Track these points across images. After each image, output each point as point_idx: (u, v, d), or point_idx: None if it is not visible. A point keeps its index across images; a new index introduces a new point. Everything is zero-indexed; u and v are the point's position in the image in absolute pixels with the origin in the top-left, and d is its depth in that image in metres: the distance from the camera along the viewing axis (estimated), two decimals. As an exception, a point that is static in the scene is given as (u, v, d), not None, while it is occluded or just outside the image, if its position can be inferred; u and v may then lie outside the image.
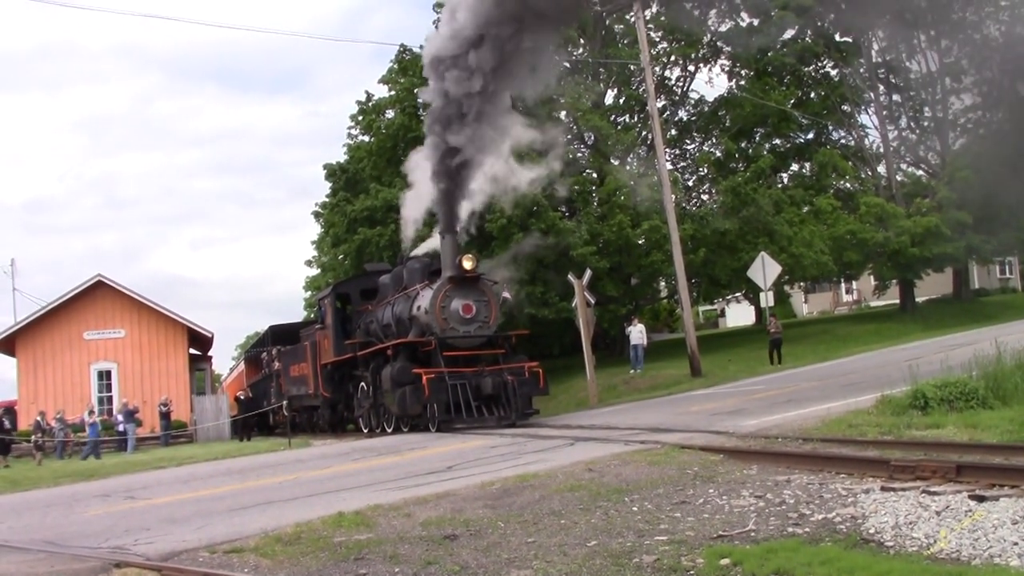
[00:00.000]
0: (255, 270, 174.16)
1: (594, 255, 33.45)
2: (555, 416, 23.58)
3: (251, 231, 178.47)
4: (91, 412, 32.11)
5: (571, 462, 11.39)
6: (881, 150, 45.90)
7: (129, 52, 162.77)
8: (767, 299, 32.20)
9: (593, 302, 28.41)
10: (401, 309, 22.66)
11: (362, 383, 23.76)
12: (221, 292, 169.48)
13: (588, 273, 27.99)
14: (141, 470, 19.55)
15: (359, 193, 39.89)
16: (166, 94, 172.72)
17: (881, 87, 46.01)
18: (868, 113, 46.77)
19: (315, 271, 59.73)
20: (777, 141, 44.47)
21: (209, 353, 43.86)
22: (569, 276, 28.05)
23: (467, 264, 20.85)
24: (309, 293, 63.17)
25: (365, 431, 23.81)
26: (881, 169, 46.02)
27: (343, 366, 25.70)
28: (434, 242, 23.78)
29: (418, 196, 24.40)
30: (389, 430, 21.99)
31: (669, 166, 40.19)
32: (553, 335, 37.42)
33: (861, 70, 45.10)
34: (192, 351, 39.25)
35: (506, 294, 23.44)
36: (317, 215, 46.02)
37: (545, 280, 34.56)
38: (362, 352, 23.76)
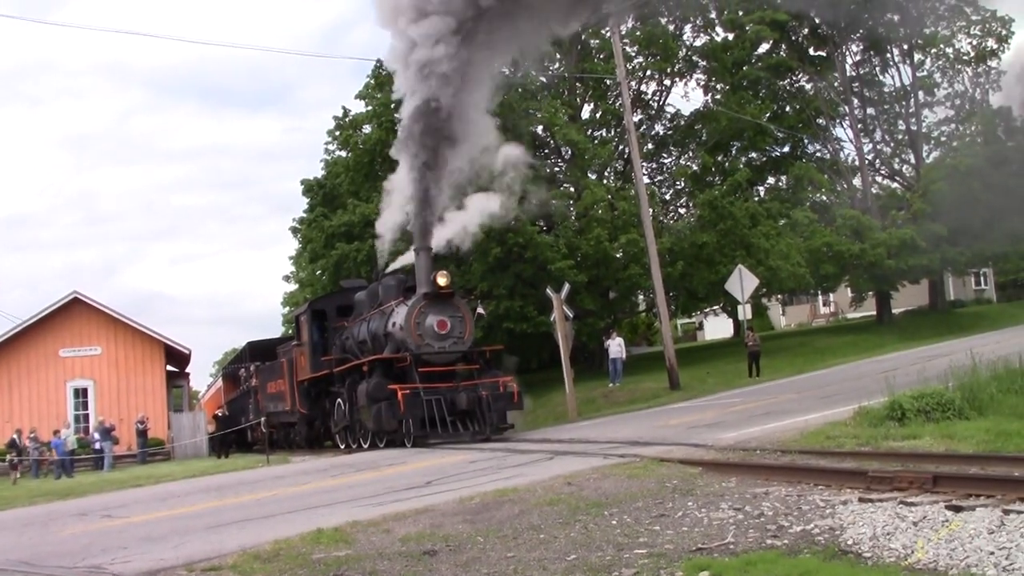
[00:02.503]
0: (234, 286, 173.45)
1: (572, 269, 33.52)
2: (534, 430, 23.56)
3: (230, 247, 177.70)
4: (56, 431, 31.76)
5: (550, 476, 11.36)
6: (856, 163, 46.26)
7: (111, 69, 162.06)
8: (745, 312, 32.33)
9: (572, 316, 28.44)
10: (376, 325, 22.64)
11: (339, 399, 23.69)
12: (199, 308, 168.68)
13: (566, 287, 28.02)
14: (118, 488, 19.37)
15: (336, 208, 39.82)
16: (147, 110, 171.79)
17: (856, 100, 46.42)
18: (843, 126, 47.16)
19: (293, 287, 59.54)
20: (753, 154, 44.82)
21: (186, 370, 43.63)
22: (547, 290, 28.07)
23: (441, 280, 20.93)
24: (287, 309, 62.94)
25: (342, 447, 23.78)
26: (857, 182, 46.39)
27: (320, 382, 25.61)
28: (409, 258, 23.81)
29: (393, 213, 24.45)
30: (365, 446, 21.99)
31: (646, 180, 40.48)
32: (532, 349, 37.43)
33: (836, 84, 45.50)
34: (169, 368, 39.04)
35: (481, 309, 23.49)
36: (295, 230, 45.85)
37: (523, 295, 34.60)
38: (338, 368, 23.72)
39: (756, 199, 41.79)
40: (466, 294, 29.55)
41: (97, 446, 31.76)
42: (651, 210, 32.85)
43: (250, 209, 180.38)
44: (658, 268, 29.66)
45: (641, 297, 42.97)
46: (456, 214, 23.41)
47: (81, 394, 35.55)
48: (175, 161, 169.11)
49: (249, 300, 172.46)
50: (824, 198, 44.66)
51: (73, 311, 35.75)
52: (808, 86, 45.88)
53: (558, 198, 36.29)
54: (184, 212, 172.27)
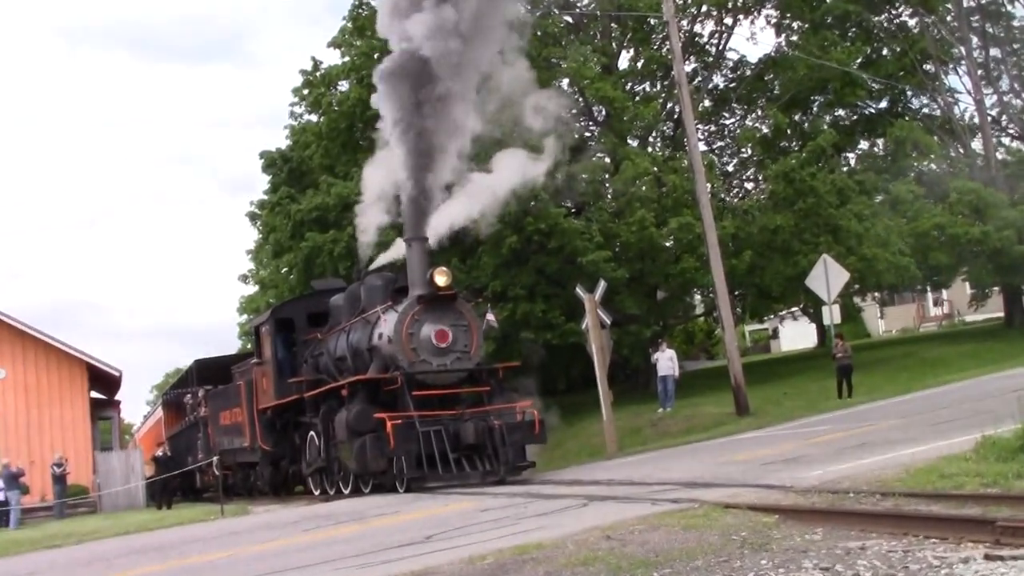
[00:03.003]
0: (176, 289, 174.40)
1: (609, 262, 33.48)
2: (562, 469, 23.57)
3: (170, 239, 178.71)
4: None
5: (584, 528, 11.31)
6: (976, 120, 45.94)
7: (6, 11, 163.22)
8: (832, 315, 32.18)
9: (609, 323, 28.39)
10: (359, 337, 22.68)
11: (311, 432, 23.73)
12: (132, 319, 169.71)
13: (602, 286, 27.96)
14: (29, 551, 19.43)
15: (306, 188, 39.93)
16: (61, 62, 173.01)
17: (975, 39, 46.05)
18: (958, 73, 46.87)
19: (251, 289, 59.77)
20: (841, 112, 44.63)
21: (116, 397, 43.81)
22: (577, 290, 28.02)
23: (441, 279, 20.92)
24: (244, 318, 63.12)
25: (316, 493, 23.83)
26: (977, 145, 46.10)
27: (287, 411, 25.68)
28: (400, 251, 23.83)
29: (378, 193, 24.57)
30: (346, 492, 22.03)
31: (703, 147, 40.44)
32: (558, 366, 37.44)
33: (948, 18, 45.15)
34: (95, 395, 39.20)
35: (491, 316, 23.50)
36: (253, 217, 46.06)
37: (547, 296, 34.59)
38: (310, 393, 23.74)
39: (845, 169, 41.63)
40: (473, 296, 29.57)
41: (1, 496, 31.83)
42: (709, 185, 32.74)
43: (195, 190, 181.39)
44: (719, 260, 29.56)
45: (698, 297, 42.89)
46: (463, 191, 23.51)
47: (-21, 430, 35.69)
48: (98, 130, 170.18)
49: (196, 307, 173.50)
50: (934, 167, 44.35)
51: (-33, 324, 35.91)
52: (912, 22, 45.62)
53: (590, 172, 36.25)
54: (110, 195, 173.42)
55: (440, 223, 22.84)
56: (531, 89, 25.12)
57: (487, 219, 25.25)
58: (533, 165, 25.08)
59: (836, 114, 44.44)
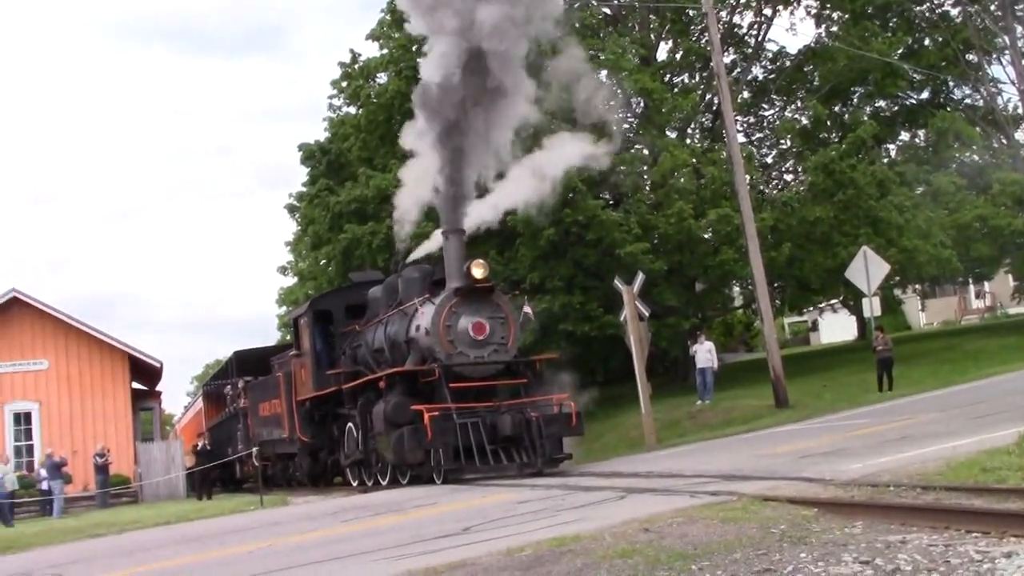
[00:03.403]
0: (215, 281, 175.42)
1: (647, 254, 33.41)
2: (600, 461, 23.55)
3: (210, 232, 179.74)
4: None
5: (622, 520, 11.28)
6: (1020, 111, 45.50)
7: (48, 4, 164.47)
8: (872, 307, 31.94)
9: (647, 315, 28.30)
10: (396, 329, 22.77)
11: (349, 424, 23.85)
12: (173, 310, 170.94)
13: (640, 277, 27.88)
14: (72, 540, 19.58)
15: (345, 180, 40.02)
16: (99, 59, 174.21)
17: (1019, 28, 45.54)
18: (1002, 63, 46.29)
19: (290, 281, 60.05)
20: (881, 103, 44.28)
21: (158, 388, 44.15)
22: (615, 282, 27.96)
23: (478, 272, 20.96)
24: (283, 310, 63.42)
25: (354, 484, 23.99)
26: (1020, 136, 45.64)
27: (325, 403, 25.80)
28: (437, 242, 23.90)
29: (416, 183, 24.60)
30: (384, 483, 22.13)
31: (742, 138, 40.25)
32: (596, 358, 37.38)
33: (992, 6, 44.67)
34: (136, 386, 39.46)
35: (528, 308, 23.49)
36: (292, 209, 46.24)
37: (585, 288, 34.56)
38: (348, 384, 23.87)
39: (885, 161, 41.34)
40: (510, 288, 29.54)
41: (44, 486, 32.11)
42: (748, 177, 32.60)
43: (235, 183, 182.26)
44: (758, 252, 29.41)
45: (737, 289, 42.78)
46: (509, 179, 23.59)
47: (23, 420, 36.03)
48: (137, 123, 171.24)
49: (236, 299, 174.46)
50: (976, 158, 43.95)
51: (12, 314, 36.25)
52: (955, 11, 45.17)
53: (628, 163, 36.17)
54: (149, 188, 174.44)
55: (482, 211, 22.92)
56: (584, 71, 25.28)
57: (537, 205, 25.43)
58: (591, 148, 25.21)
59: (877, 105, 44.08)
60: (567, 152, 25.30)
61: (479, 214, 23.57)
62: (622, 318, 27.71)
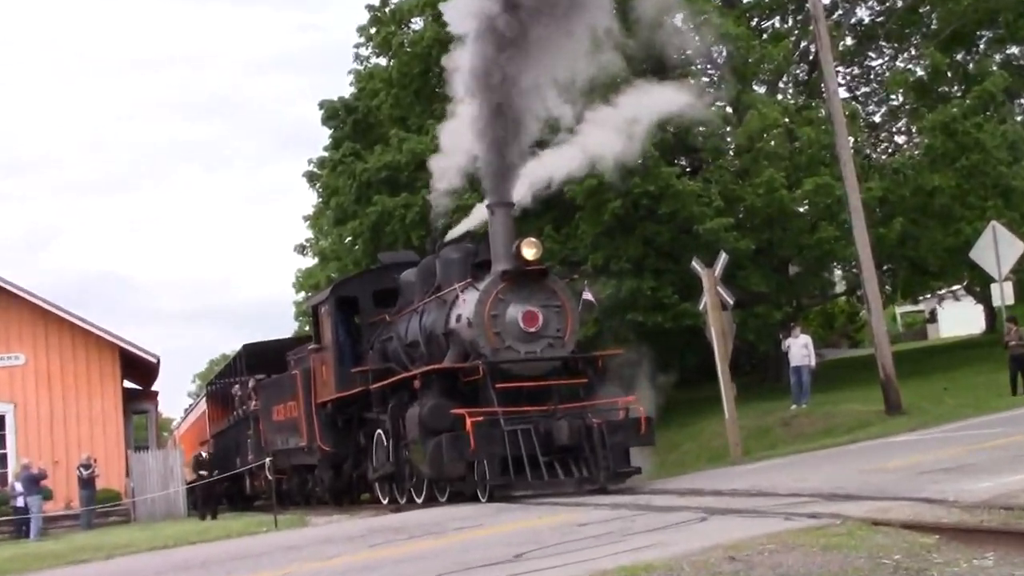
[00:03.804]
0: (223, 262, 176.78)
1: (731, 231, 33.29)
2: (675, 476, 23.57)
3: (217, 203, 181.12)
4: None
5: (702, 547, 11.17)
6: None
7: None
8: (1003, 294, 31.56)
9: (731, 303, 28.14)
10: (433, 320, 22.76)
11: (378, 431, 23.90)
12: (172, 296, 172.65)
13: (723, 259, 27.71)
14: (51, 567, 19.67)
15: (374, 143, 40.14)
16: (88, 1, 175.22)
17: None
18: None
19: (309, 261, 60.37)
20: (1014, 50, 43.71)
21: (154, 388, 44.42)
22: (693, 264, 27.82)
23: (529, 252, 20.76)
24: (301, 296, 63.86)
25: (385, 501, 24.07)
26: None
27: (350, 405, 25.85)
28: (479, 218, 23.81)
29: (458, 145, 24.48)
30: (419, 500, 22.17)
31: (844, 93, 39.88)
32: (670, 354, 37.19)
33: None
34: (128, 384, 39.74)
35: (589, 295, 23.33)
36: (312, 177, 46.41)
37: (657, 270, 34.44)
38: (377, 384, 23.86)
39: (1019, 119, 40.85)
40: (568, 271, 29.45)
41: (20, 502, 32.30)
42: (852, 139, 32.38)
43: (245, 146, 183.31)
44: (864, 228, 29.14)
45: (838, 273, 42.43)
46: (571, 139, 23.52)
47: (-6, 424, 36.28)
48: (132, 75, 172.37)
49: (246, 283, 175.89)
50: None
51: (-17, 301, 36.48)
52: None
53: (708, 124, 35.97)
54: (147, 151, 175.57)
55: (535, 179, 22.79)
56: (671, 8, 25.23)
57: (610, 168, 25.37)
58: (683, 95, 25.02)
59: (1008, 52, 43.53)
60: (653, 102, 25.07)
61: (532, 183, 23.45)
62: (701, 307, 27.58)
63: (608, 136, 24.18)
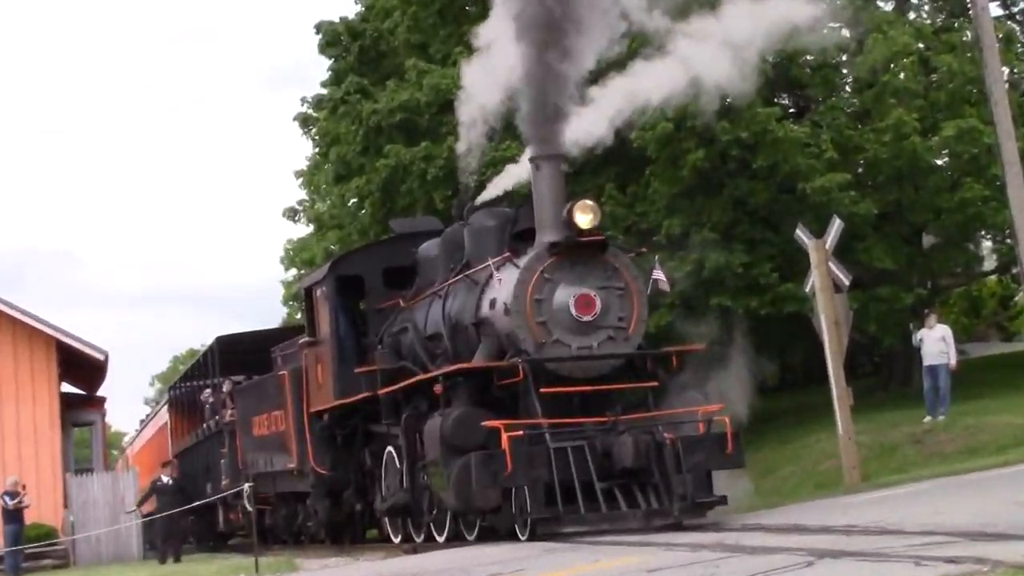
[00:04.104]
0: (190, 233, 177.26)
1: (847, 190, 33.16)
2: (773, 508, 23.59)
3: (183, 158, 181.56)
4: None
5: (808, 601, 11.29)
6: None
7: None
8: None
9: (847, 283, 28.13)
10: (461, 305, 22.87)
11: (389, 448, 24.07)
12: (126, 276, 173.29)
13: (836, 226, 27.72)
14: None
15: (386, 78, 40.20)
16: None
17: None
18: None
19: (302, 230, 60.50)
20: None
21: (101, 393, 44.64)
22: (798, 233, 27.83)
23: (584, 218, 20.68)
24: (291, 274, 63.96)
25: (396, 540, 24.29)
26: None
27: (352, 416, 26.06)
28: (520, 175, 23.86)
29: (495, 81, 24.46)
30: (441, 538, 22.33)
31: (996, 10, 39.61)
32: (768, 349, 37.18)
33: None
34: (68, 388, 39.91)
35: (660, 274, 23.20)
36: (306, 121, 46.55)
37: (750, 241, 34.42)
38: (387, 389, 23.94)
39: None
40: (635, 243, 29.44)
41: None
42: (1006, 71, 32.18)
43: (220, 84, 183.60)
44: (1022, 186, 29.06)
45: (988, 244, 42.24)
46: (643, 68, 23.50)
47: None
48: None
49: (220, 259, 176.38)
50: None
51: None
52: None
53: (818, 52, 35.88)
54: (89, 89, 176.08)
55: (593, 124, 22.75)
56: None
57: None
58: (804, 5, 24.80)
59: None
60: (765, 15, 24.73)
61: (588, 128, 23.33)
62: (808, 288, 27.59)
63: (704, 58, 23.99)
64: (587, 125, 22.74)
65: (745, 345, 27.87)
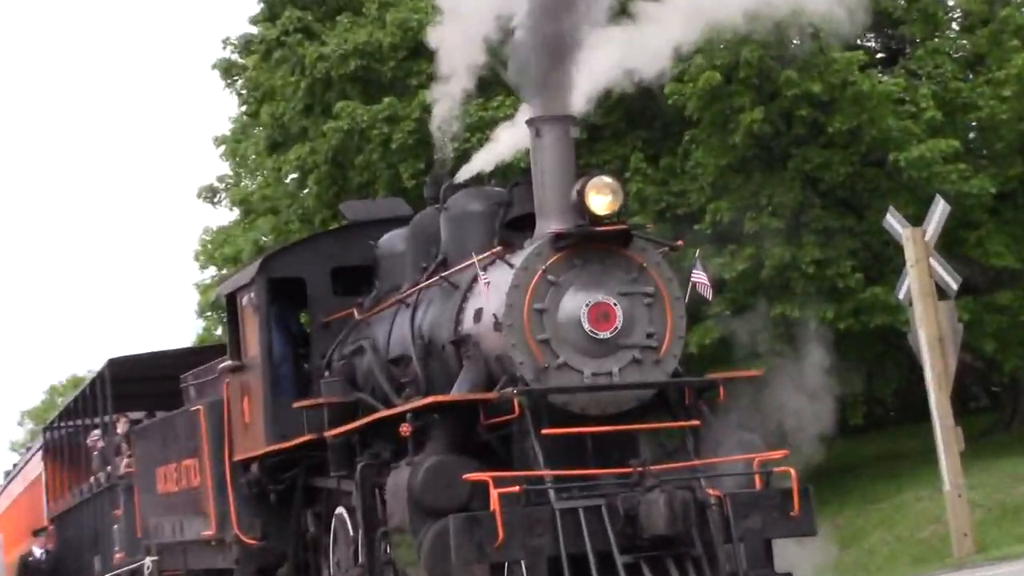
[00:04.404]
0: (69, 221, 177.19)
1: (955, 161, 33.20)
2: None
3: (62, 117, 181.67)
4: None
5: None
6: None
7: None
8: None
9: (956, 287, 28.23)
10: (436, 318, 22.74)
11: (339, 510, 24.04)
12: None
13: (941, 209, 27.82)
14: None
15: (336, 13, 40.27)
16: None
17: None
18: None
19: (224, 215, 60.60)
20: None
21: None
22: (888, 218, 27.91)
23: (600, 200, 20.37)
24: (209, 275, 64.05)
25: (349, 637, 24.13)
26: None
27: (290, 466, 25.99)
28: (514, 144, 23.90)
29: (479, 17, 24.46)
30: (408, 634, 22.18)
31: None
32: (848, 377, 37.30)
33: None
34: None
35: (701, 275, 23.04)
36: (228, 70, 46.57)
37: (825, 231, 34.43)
38: (337, 430, 23.72)
39: None
40: (668, 233, 29.42)
41: None
42: None
43: (109, 18, 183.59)
44: None
45: None
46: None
47: None
48: None
49: (111, 257, 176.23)
50: None
51: None
52: None
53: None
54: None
55: (610, 70, 22.65)
56: None
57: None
58: None
59: None
60: None
61: (606, 76, 23.15)
62: (902, 294, 27.67)
63: None
64: (600, 81, 22.62)
65: (818, 370, 27.92)
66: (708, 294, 23.42)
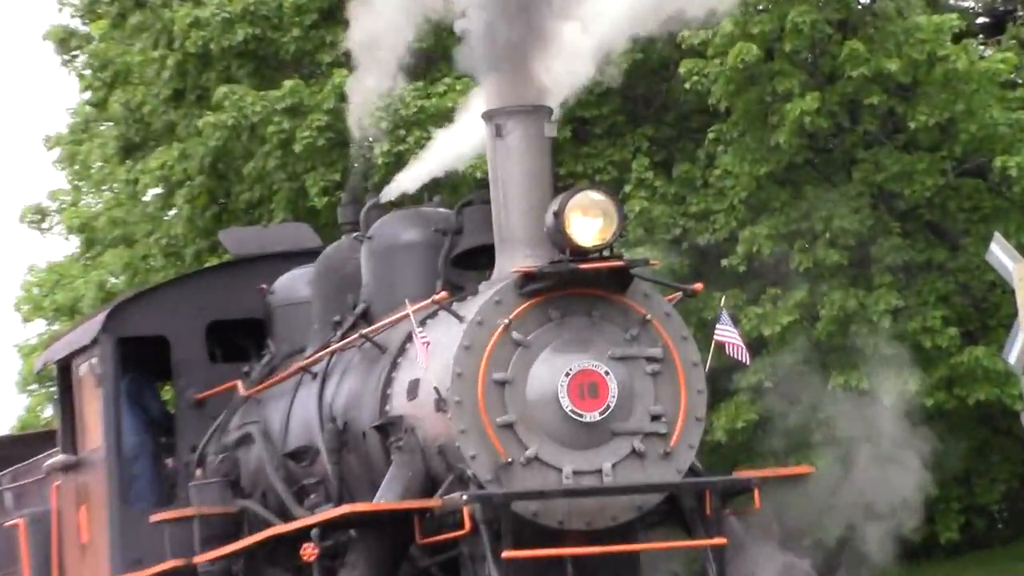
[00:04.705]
0: None
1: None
2: None
3: None
4: None
5: None
6: None
7: None
8: None
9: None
10: (352, 394, 22.77)
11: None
12: None
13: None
14: None
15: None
16: None
17: None
18: None
19: (60, 246, 60.67)
20: None
21: None
22: (992, 248, 27.93)
23: (586, 227, 20.34)
24: (34, 331, 64.12)
25: None
26: None
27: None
28: (466, 148, 23.81)
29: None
30: None
31: None
32: (938, 472, 37.41)
33: None
34: None
35: (728, 330, 22.92)
36: (67, 41, 46.57)
37: (907, 265, 34.40)
38: (213, 553, 23.77)
39: None
40: (687, 276, 29.39)
41: None
42: None
43: None
44: None
45: None
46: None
47: None
48: None
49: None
50: None
51: None
52: None
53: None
54: None
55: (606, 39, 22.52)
56: None
57: None
58: None
59: None
60: None
61: (600, 46, 22.93)
62: (1011, 357, 27.60)
63: None
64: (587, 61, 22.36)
65: (895, 467, 27.91)
66: (743, 357, 23.22)
